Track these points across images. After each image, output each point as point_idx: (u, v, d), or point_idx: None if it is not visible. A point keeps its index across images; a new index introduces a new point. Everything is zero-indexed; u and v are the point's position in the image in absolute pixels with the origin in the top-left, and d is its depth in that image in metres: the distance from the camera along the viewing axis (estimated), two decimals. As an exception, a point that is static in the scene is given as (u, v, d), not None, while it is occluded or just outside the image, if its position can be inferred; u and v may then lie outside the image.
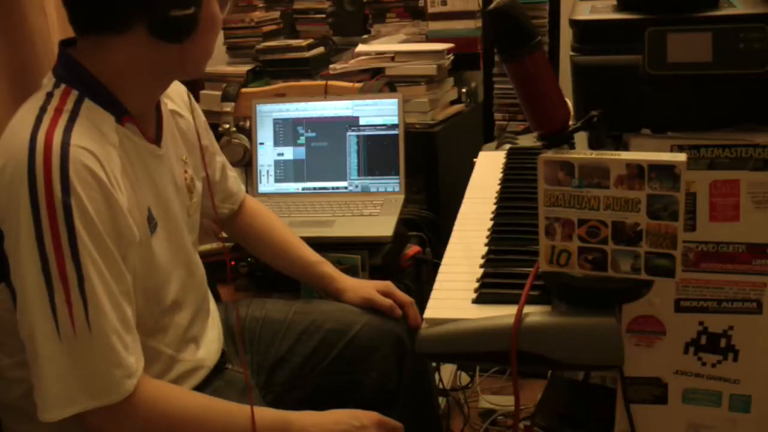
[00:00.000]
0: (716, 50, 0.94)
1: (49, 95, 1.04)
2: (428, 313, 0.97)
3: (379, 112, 1.91)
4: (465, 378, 2.08)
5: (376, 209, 1.80)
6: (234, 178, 1.50)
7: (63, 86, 1.05)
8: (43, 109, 1.02)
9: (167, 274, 1.15)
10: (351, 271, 1.65)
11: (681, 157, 0.85)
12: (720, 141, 0.96)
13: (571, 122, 0.98)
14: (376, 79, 2.19)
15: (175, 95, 1.29)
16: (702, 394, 1.03)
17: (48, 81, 1.08)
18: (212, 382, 1.24)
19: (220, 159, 1.46)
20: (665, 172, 0.84)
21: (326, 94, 2.09)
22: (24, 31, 1.59)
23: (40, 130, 0.98)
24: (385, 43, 2.44)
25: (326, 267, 1.49)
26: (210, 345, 1.27)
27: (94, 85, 1.06)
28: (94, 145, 1.01)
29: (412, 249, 1.79)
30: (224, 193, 1.47)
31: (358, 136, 1.91)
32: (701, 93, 0.98)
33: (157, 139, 1.17)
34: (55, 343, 0.96)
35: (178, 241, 1.20)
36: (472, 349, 0.93)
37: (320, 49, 2.61)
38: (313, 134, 1.94)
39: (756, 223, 0.97)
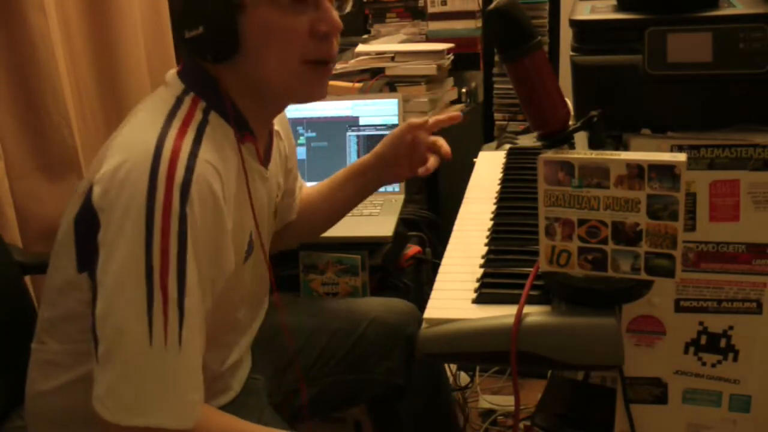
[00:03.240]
0: (716, 50, 0.94)
1: (179, 101, 1.02)
2: (428, 313, 0.97)
3: (379, 112, 1.91)
4: (465, 378, 2.08)
5: (376, 209, 1.80)
6: (300, 188, 1.47)
7: (192, 94, 1.03)
8: (172, 115, 1.00)
9: (245, 298, 1.14)
10: (351, 271, 1.65)
11: (681, 157, 0.85)
12: (720, 141, 0.96)
13: (571, 122, 0.98)
14: (376, 79, 2.19)
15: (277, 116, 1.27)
16: (702, 394, 1.03)
17: (174, 83, 1.05)
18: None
19: (300, 181, 1.44)
20: (665, 172, 0.84)
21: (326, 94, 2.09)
22: (24, 31, 1.59)
23: (169, 135, 0.95)
24: (385, 43, 2.44)
25: (350, 172, 1.44)
26: (244, 367, 1.27)
27: (221, 99, 1.03)
28: (220, 162, 0.98)
29: (412, 249, 1.79)
30: (294, 209, 1.45)
31: (358, 136, 1.91)
32: (701, 93, 0.98)
33: (266, 162, 1.15)
34: (145, 348, 0.91)
35: (259, 263, 1.18)
36: (472, 349, 0.93)
37: (320, 49, 2.61)
38: (313, 134, 1.94)
39: (756, 223, 0.97)
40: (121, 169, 0.93)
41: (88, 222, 0.96)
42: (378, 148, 1.40)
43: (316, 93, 1.09)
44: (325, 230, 1.51)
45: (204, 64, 1.04)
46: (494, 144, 1.76)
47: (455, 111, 1.37)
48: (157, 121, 0.98)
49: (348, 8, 1.10)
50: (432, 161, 1.37)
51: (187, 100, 1.03)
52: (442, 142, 1.39)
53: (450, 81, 2.37)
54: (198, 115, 1.01)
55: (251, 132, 1.08)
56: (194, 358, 0.95)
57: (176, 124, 0.98)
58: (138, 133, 0.98)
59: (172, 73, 1.08)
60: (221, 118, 1.03)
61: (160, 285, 0.91)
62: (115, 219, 0.93)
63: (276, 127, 1.24)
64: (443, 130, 2.21)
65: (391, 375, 1.36)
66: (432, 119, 1.40)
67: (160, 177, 0.92)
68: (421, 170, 1.36)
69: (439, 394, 1.45)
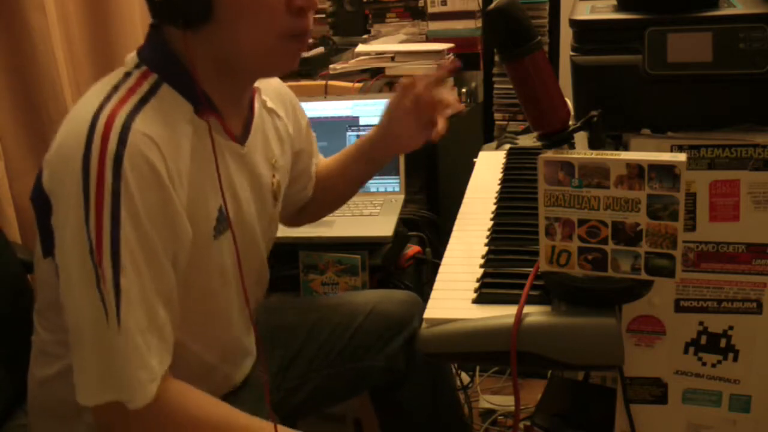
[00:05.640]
0: (716, 50, 0.94)
1: (127, 75, 1.00)
2: (428, 313, 0.97)
3: (379, 112, 1.89)
4: (465, 378, 2.08)
5: (376, 209, 1.80)
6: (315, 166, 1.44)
7: (143, 68, 1.01)
8: (115, 88, 0.98)
9: (227, 280, 1.12)
10: (351, 271, 1.65)
11: (681, 157, 0.85)
12: (720, 141, 0.96)
13: (571, 122, 0.98)
14: (376, 79, 2.19)
15: (276, 94, 1.25)
16: (702, 394, 1.03)
17: (130, 60, 1.03)
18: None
19: (314, 160, 1.42)
20: (665, 172, 0.84)
21: (326, 94, 2.09)
22: (24, 31, 1.59)
23: (105, 108, 0.94)
24: (385, 43, 2.44)
25: (358, 146, 1.42)
26: (248, 358, 1.27)
27: (177, 71, 1.01)
28: (161, 133, 0.95)
29: (412, 249, 1.79)
30: (311, 186, 1.44)
31: (358, 136, 1.91)
32: (701, 93, 0.98)
33: (242, 138, 1.12)
34: (102, 326, 0.92)
35: (250, 246, 1.16)
36: (472, 349, 0.93)
37: (320, 49, 2.61)
38: (313, 134, 1.93)
39: (756, 223, 0.97)
40: (62, 148, 0.93)
41: (42, 206, 0.96)
42: (381, 120, 1.36)
43: (287, 67, 1.06)
44: (339, 206, 1.50)
45: (170, 36, 1.02)
46: (494, 144, 1.76)
47: (451, 62, 1.26)
48: (99, 96, 0.97)
49: None
50: (441, 123, 1.31)
51: (136, 73, 1.00)
52: (448, 96, 1.31)
53: (450, 81, 2.36)
54: (144, 87, 0.99)
55: (213, 107, 1.05)
56: (136, 336, 0.93)
57: (116, 97, 0.96)
58: (79, 109, 0.97)
59: (132, 52, 1.06)
60: (175, 91, 1.01)
61: (99, 263, 0.91)
62: (62, 200, 0.93)
63: (270, 104, 1.22)
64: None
65: (391, 361, 1.36)
66: (432, 74, 1.32)
67: (92, 152, 0.90)
68: (433, 135, 1.31)
69: (441, 384, 1.45)
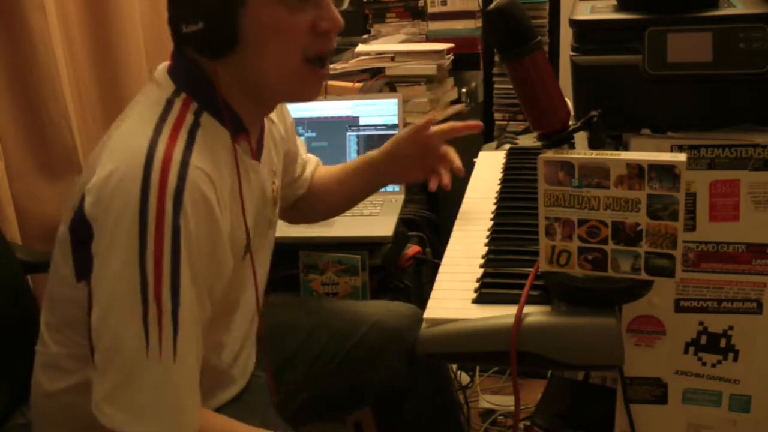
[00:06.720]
0: (716, 50, 0.94)
1: (169, 103, 1.00)
2: (428, 313, 0.97)
3: (379, 112, 1.91)
4: (465, 378, 2.08)
5: (376, 209, 1.80)
6: (303, 165, 1.45)
7: (183, 95, 1.01)
8: (162, 119, 0.97)
9: (244, 292, 1.13)
10: (351, 271, 1.65)
11: (681, 157, 0.85)
12: (720, 141, 0.96)
13: (571, 122, 0.98)
14: (376, 79, 2.18)
15: None
16: (702, 394, 1.03)
17: (165, 82, 1.03)
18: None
19: (302, 159, 1.43)
20: (665, 172, 0.84)
21: (326, 94, 2.09)
22: (24, 31, 1.59)
23: (159, 142, 0.93)
24: (385, 43, 2.44)
25: (361, 161, 1.44)
26: (251, 359, 1.27)
27: (214, 98, 1.01)
28: (211, 166, 0.97)
29: (412, 249, 1.79)
30: (302, 184, 1.45)
31: (358, 136, 1.91)
32: (701, 93, 0.98)
33: (258, 153, 1.13)
34: (141, 358, 0.91)
35: (259, 256, 1.17)
36: (472, 349, 0.93)
37: (320, 49, 2.61)
38: (314, 134, 1.93)
39: (756, 223, 0.97)
40: (113, 178, 0.92)
41: (82, 231, 0.95)
42: (387, 145, 1.39)
43: (311, 93, 1.07)
44: (340, 212, 1.51)
45: (197, 59, 1.02)
46: (494, 144, 1.76)
47: (474, 122, 1.35)
48: (147, 126, 0.96)
49: (345, 4, 1.09)
50: (446, 178, 1.34)
51: (178, 102, 1.01)
52: (453, 156, 1.36)
53: (450, 81, 2.36)
54: (189, 119, 0.99)
55: (245, 130, 1.06)
56: (190, 367, 0.95)
57: (167, 129, 0.96)
58: (129, 139, 0.96)
59: (162, 69, 1.05)
60: (213, 119, 1.02)
61: (155, 296, 0.91)
62: (108, 229, 0.92)
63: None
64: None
65: (393, 379, 1.36)
66: (448, 125, 1.37)
67: (152, 186, 0.90)
68: (432, 184, 1.34)
69: (442, 394, 1.45)
